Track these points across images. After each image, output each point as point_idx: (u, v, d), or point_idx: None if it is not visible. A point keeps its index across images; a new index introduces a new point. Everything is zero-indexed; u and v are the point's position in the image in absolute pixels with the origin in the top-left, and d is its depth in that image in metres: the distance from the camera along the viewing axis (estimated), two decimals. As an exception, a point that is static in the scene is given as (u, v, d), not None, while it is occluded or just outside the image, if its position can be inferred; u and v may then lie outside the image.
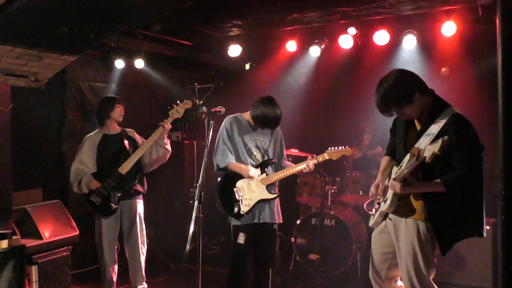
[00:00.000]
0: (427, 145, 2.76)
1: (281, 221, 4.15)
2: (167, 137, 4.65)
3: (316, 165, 4.12)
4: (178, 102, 4.58)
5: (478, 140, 2.83)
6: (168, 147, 4.66)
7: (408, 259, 2.96)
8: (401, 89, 2.89)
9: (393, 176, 3.05)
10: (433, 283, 2.99)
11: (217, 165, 4.02)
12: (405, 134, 3.11)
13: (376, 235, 3.28)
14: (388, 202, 3.02)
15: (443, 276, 4.88)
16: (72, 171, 4.49)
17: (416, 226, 2.95)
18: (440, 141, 2.61)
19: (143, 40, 5.86)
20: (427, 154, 2.67)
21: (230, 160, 3.97)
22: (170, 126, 4.58)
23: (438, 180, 2.82)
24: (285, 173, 4.06)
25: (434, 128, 2.85)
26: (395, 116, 3.18)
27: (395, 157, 3.21)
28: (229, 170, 4.00)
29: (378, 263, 3.23)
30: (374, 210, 3.28)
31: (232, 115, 4.12)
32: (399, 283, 3.24)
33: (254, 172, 3.98)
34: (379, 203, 3.22)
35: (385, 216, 3.16)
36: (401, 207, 3.02)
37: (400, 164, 3.03)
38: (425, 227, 2.93)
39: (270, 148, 4.11)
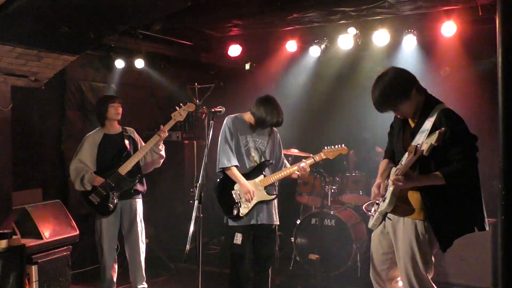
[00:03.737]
0: (424, 139, 2.78)
1: (278, 223, 4.15)
2: (168, 137, 4.67)
3: (314, 165, 4.11)
4: (181, 104, 4.59)
5: (469, 131, 2.86)
6: (163, 153, 4.69)
7: (407, 259, 2.97)
8: (401, 84, 2.94)
9: (392, 175, 3.05)
10: (431, 282, 2.99)
11: (218, 165, 4.01)
12: (402, 134, 3.14)
13: (376, 236, 3.28)
14: (387, 201, 3.03)
15: (443, 276, 4.88)
16: (72, 170, 4.48)
17: (414, 225, 2.95)
18: (437, 133, 2.64)
19: (143, 40, 5.86)
20: (425, 147, 2.69)
21: (232, 164, 3.94)
22: (167, 134, 4.59)
23: (438, 173, 2.82)
24: (282, 174, 4.06)
25: (428, 125, 2.89)
26: (393, 117, 3.19)
27: (394, 160, 3.22)
28: (227, 172, 3.99)
29: (378, 264, 3.24)
30: (373, 210, 3.28)
31: (232, 115, 4.11)
32: (401, 283, 3.24)
33: (250, 188, 3.94)
34: (378, 203, 3.22)
35: (384, 215, 3.16)
36: (400, 206, 3.03)
37: (400, 163, 3.04)
38: (423, 226, 2.93)
39: (267, 150, 4.11)
